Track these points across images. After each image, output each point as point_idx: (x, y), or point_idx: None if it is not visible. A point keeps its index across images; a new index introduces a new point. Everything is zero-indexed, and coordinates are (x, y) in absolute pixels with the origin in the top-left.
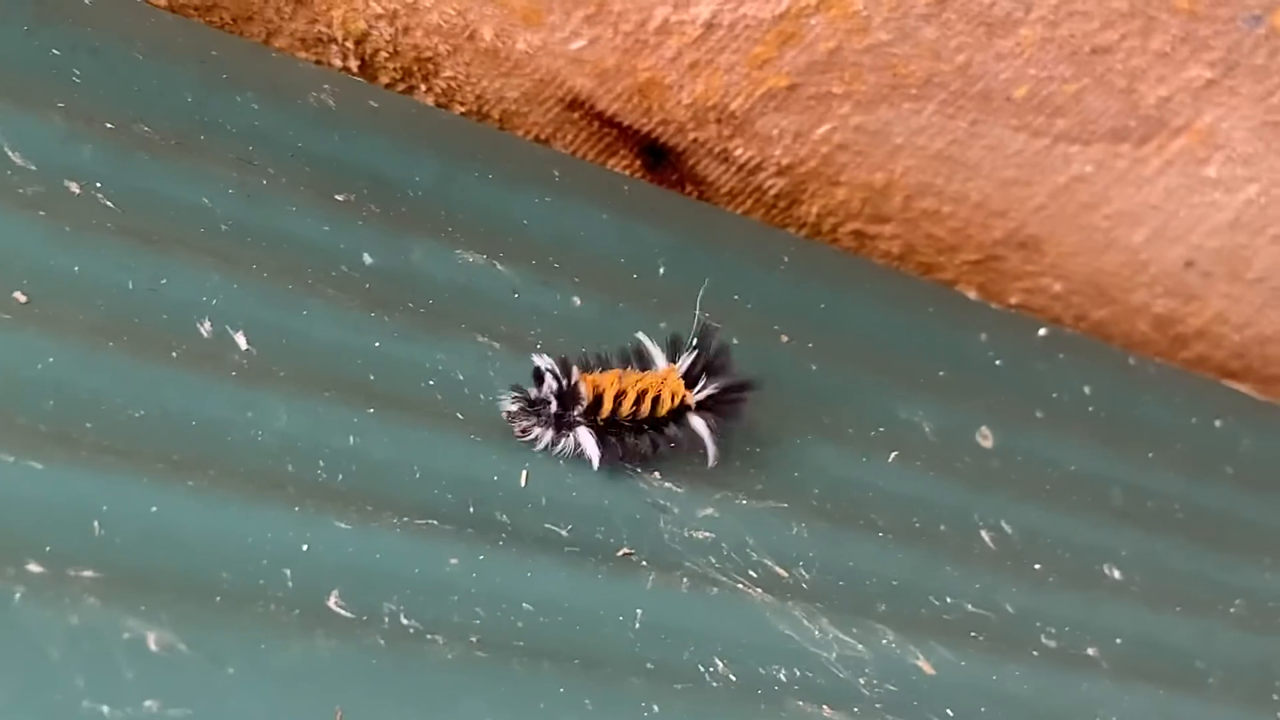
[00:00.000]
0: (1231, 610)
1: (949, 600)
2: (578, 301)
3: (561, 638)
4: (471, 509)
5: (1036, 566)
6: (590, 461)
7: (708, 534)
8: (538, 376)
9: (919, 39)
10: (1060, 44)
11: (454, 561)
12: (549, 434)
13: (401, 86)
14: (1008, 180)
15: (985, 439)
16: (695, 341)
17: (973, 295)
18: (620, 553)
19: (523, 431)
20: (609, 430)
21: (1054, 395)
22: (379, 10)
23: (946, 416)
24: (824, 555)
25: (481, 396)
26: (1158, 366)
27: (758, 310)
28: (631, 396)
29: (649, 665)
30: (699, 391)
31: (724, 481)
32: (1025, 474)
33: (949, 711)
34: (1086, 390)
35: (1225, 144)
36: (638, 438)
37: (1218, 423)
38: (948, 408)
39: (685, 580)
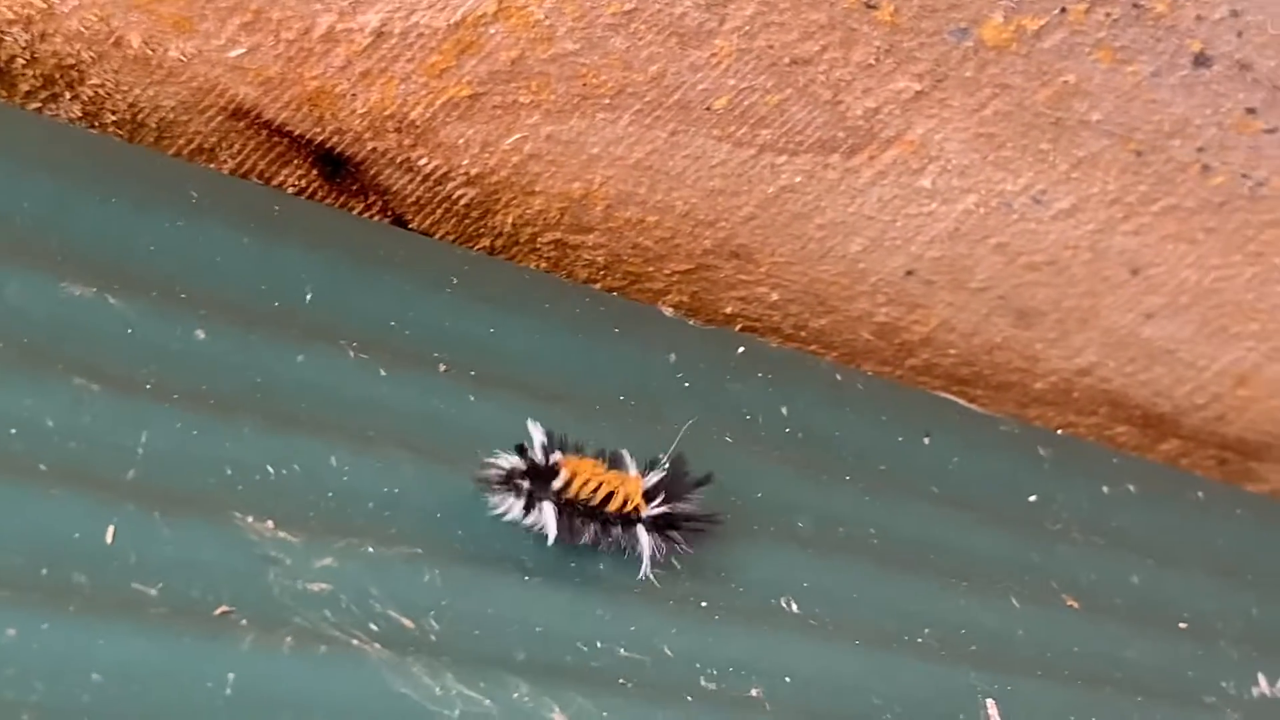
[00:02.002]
0: (919, 640)
1: (599, 645)
2: (202, 335)
3: (134, 712)
4: (44, 571)
5: (703, 604)
6: (546, 536)
7: (324, 586)
8: (520, 450)
9: (608, 49)
10: (759, 55)
11: (11, 632)
12: (517, 505)
13: (44, 95)
14: (714, 190)
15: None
16: (667, 463)
17: (668, 312)
18: (218, 611)
19: (496, 501)
20: (568, 510)
21: (747, 417)
22: (11, 15)
23: (621, 446)
24: (459, 603)
25: (72, 444)
26: (868, 381)
27: (416, 336)
28: (592, 485)
29: None
30: (653, 507)
31: (348, 528)
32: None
33: None
34: (784, 411)
35: (939, 155)
36: (588, 524)
37: (926, 439)
38: (627, 440)
39: (290, 639)
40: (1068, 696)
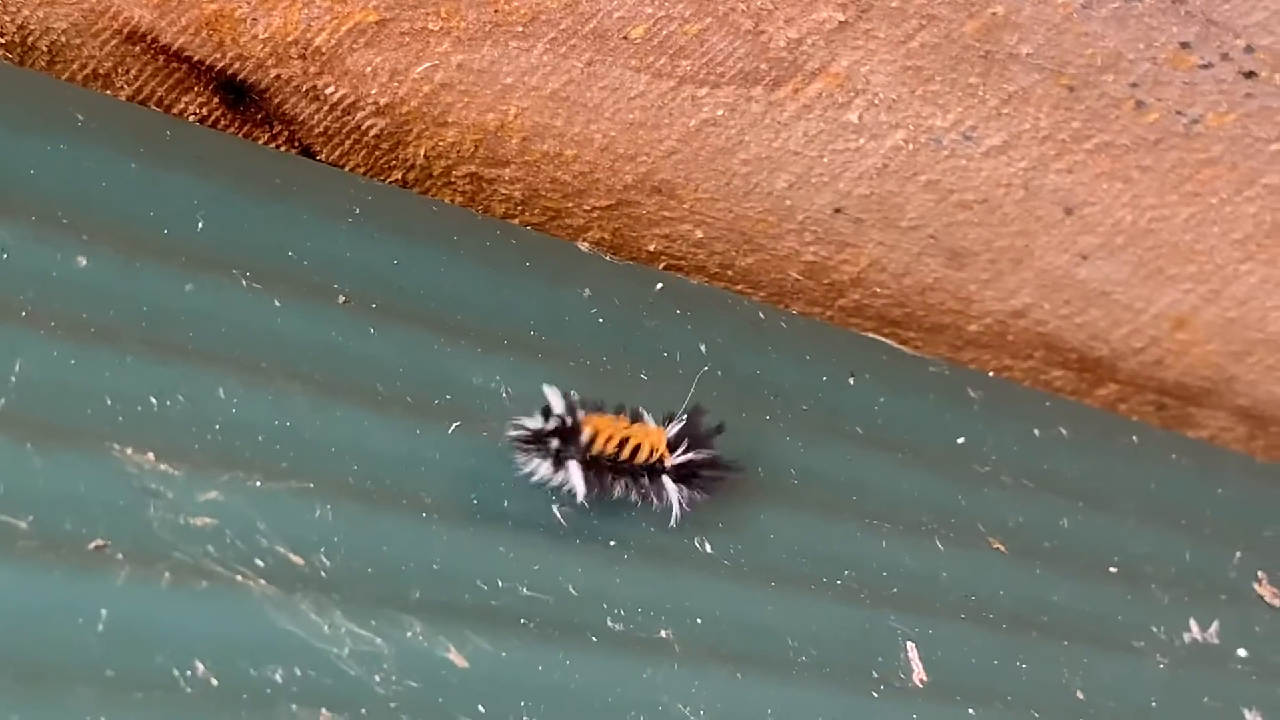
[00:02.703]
0: (839, 583)
1: (500, 584)
2: (83, 262)
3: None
4: None
5: (612, 544)
6: (575, 495)
7: (208, 520)
8: (544, 412)
9: None
10: None
11: None
12: (546, 465)
13: None
14: (633, 123)
15: None
16: (685, 415)
17: (585, 247)
18: (92, 545)
19: (523, 462)
20: (594, 467)
21: (664, 354)
22: None
23: (531, 382)
24: (353, 540)
25: None
26: (792, 320)
27: (314, 267)
28: (617, 440)
29: (109, 673)
30: (677, 456)
31: (235, 461)
32: None
33: (480, 708)
34: (702, 348)
35: (865, 89)
36: (616, 479)
37: (851, 380)
38: (533, 372)
39: (168, 574)
40: (991, 639)
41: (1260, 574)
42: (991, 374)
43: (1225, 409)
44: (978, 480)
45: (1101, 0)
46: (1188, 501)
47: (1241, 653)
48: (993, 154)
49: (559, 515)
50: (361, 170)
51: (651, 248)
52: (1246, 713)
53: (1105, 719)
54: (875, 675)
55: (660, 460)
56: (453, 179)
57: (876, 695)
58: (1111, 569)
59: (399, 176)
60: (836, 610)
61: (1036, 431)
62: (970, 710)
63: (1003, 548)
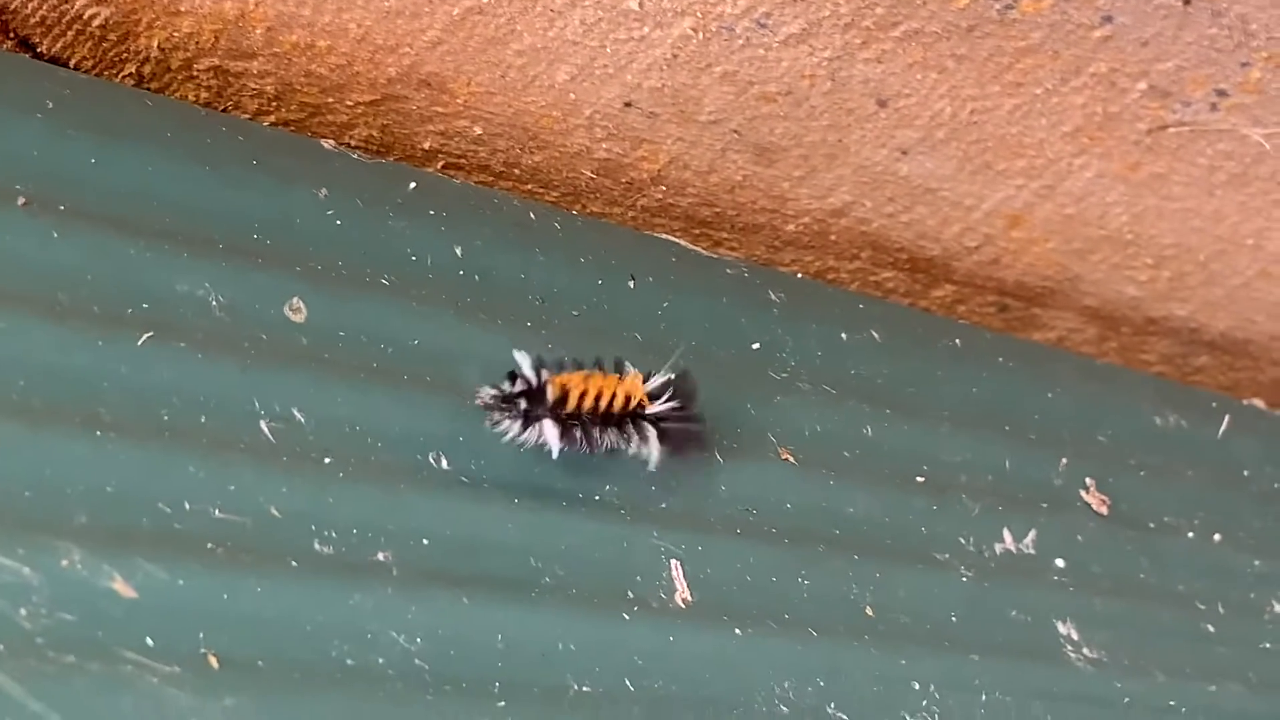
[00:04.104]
0: (597, 498)
1: (187, 507)
2: None
3: None
4: None
5: (327, 460)
6: (550, 451)
7: None
8: (511, 376)
9: None
10: None
11: None
12: (516, 425)
13: None
14: (390, 11)
15: (297, 313)
16: (670, 370)
17: (329, 145)
18: None
19: (494, 423)
20: (569, 423)
21: (412, 258)
22: None
23: (246, 289)
24: (8, 462)
25: None
26: (569, 221)
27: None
28: (591, 394)
29: None
30: (656, 404)
31: None
32: (346, 352)
33: (149, 640)
34: (458, 251)
35: None
36: (592, 430)
37: (631, 283)
38: (250, 278)
39: None
40: (770, 555)
41: (1089, 481)
42: (801, 275)
43: (1072, 309)
44: (772, 387)
45: None
46: (1013, 407)
47: (1059, 563)
48: (792, 43)
49: (267, 430)
50: (90, 64)
51: (427, 145)
52: (1059, 624)
53: (896, 634)
54: (631, 596)
55: (640, 406)
56: (194, 73)
57: (628, 617)
58: (919, 479)
59: (133, 70)
60: (591, 528)
61: (844, 335)
62: (737, 630)
63: (792, 458)
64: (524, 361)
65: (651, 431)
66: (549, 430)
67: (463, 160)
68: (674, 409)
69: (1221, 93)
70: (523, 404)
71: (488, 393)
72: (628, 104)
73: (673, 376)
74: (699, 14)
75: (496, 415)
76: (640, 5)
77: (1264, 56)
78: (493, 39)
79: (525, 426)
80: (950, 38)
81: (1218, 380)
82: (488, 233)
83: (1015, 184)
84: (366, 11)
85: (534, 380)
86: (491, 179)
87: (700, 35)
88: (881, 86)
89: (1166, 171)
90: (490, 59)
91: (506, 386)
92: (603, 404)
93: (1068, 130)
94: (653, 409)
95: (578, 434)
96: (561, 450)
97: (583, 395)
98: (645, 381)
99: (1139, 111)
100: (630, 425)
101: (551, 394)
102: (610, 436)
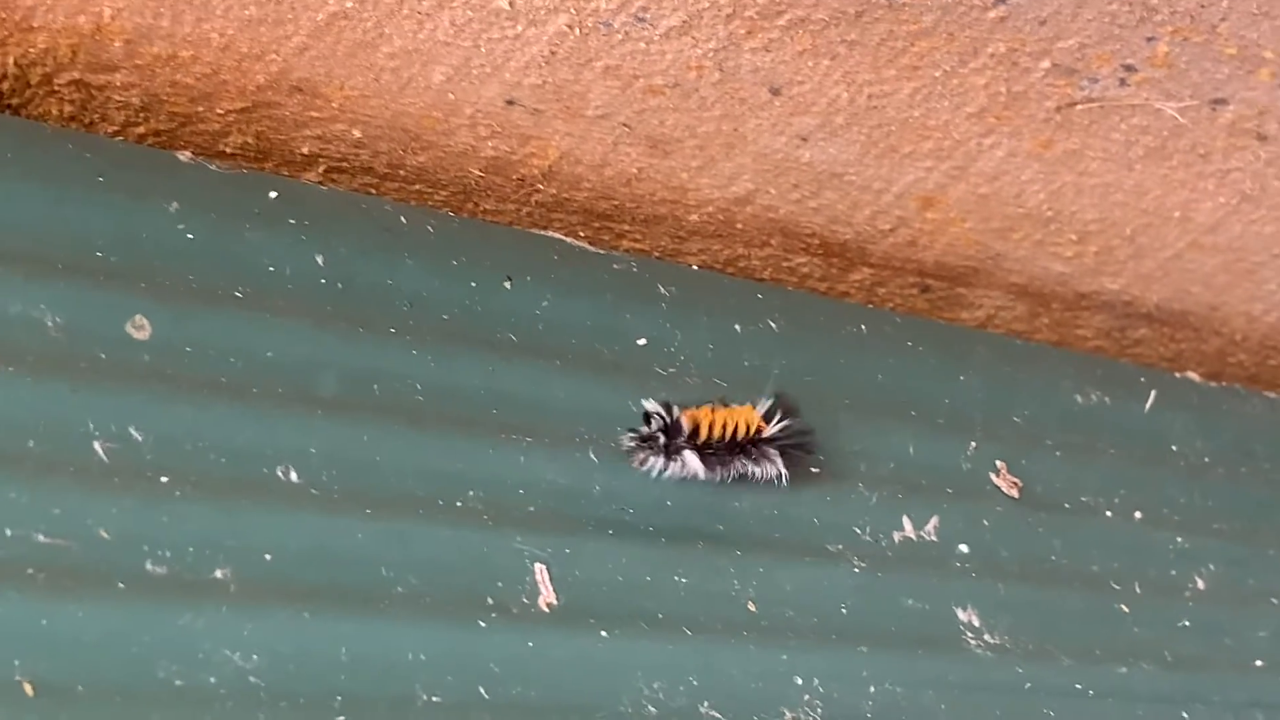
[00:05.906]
0: (459, 504)
1: (8, 533)
2: None
3: None
4: None
5: (164, 479)
6: (697, 477)
7: None
8: (645, 417)
9: None
10: None
11: None
12: (660, 460)
13: None
14: (251, 20)
15: (140, 330)
16: (773, 396)
17: (184, 157)
18: None
19: (640, 462)
20: (705, 452)
21: (270, 269)
22: None
23: (85, 308)
24: None
25: None
26: (444, 223)
27: None
28: (719, 425)
29: None
30: (773, 426)
31: None
32: (191, 368)
33: None
34: (319, 260)
35: None
36: (725, 458)
37: (507, 283)
38: (90, 297)
39: None
40: (644, 555)
41: (999, 464)
42: (699, 267)
43: (998, 287)
44: (657, 383)
45: None
46: (921, 392)
47: (963, 549)
48: (674, 35)
49: (101, 451)
50: None
51: (305, 150)
52: (959, 611)
53: (779, 629)
54: (490, 602)
55: (759, 432)
56: (55, 88)
57: (485, 624)
58: (813, 469)
59: None
60: (448, 534)
61: (738, 327)
62: (603, 633)
63: None
64: (653, 405)
65: (774, 453)
66: (692, 460)
67: (345, 164)
68: (786, 428)
69: (1129, 68)
70: (662, 439)
71: (628, 436)
72: (510, 102)
73: (776, 398)
74: (573, 10)
75: (641, 454)
76: (511, 4)
77: (1170, 30)
78: (361, 43)
79: (669, 460)
80: (839, 24)
81: (1158, 352)
82: (353, 239)
83: (924, 166)
84: (227, 21)
85: (668, 417)
86: (376, 181)
87: (577, 31)
88: (773, 75)
89: (1080, 148)
90: (361, 63)
91: (643, 428)
92: (729, 433)
93: (972, 111)
94: (769, 431)
95: (714, 462)
96: (707, 476)
97: (711, 425)
98: (757, 408)
99: (1045, 90)
100: (754, 449)
101: (686, 426)
102: (739, 463)
